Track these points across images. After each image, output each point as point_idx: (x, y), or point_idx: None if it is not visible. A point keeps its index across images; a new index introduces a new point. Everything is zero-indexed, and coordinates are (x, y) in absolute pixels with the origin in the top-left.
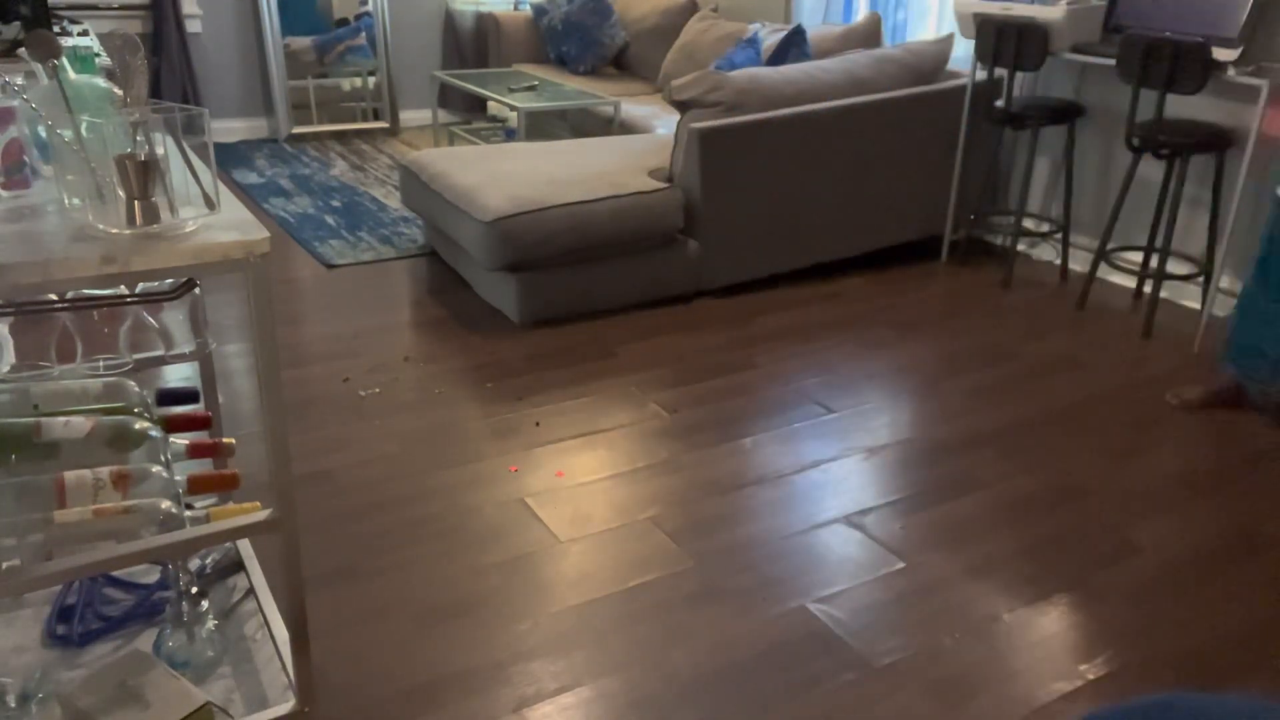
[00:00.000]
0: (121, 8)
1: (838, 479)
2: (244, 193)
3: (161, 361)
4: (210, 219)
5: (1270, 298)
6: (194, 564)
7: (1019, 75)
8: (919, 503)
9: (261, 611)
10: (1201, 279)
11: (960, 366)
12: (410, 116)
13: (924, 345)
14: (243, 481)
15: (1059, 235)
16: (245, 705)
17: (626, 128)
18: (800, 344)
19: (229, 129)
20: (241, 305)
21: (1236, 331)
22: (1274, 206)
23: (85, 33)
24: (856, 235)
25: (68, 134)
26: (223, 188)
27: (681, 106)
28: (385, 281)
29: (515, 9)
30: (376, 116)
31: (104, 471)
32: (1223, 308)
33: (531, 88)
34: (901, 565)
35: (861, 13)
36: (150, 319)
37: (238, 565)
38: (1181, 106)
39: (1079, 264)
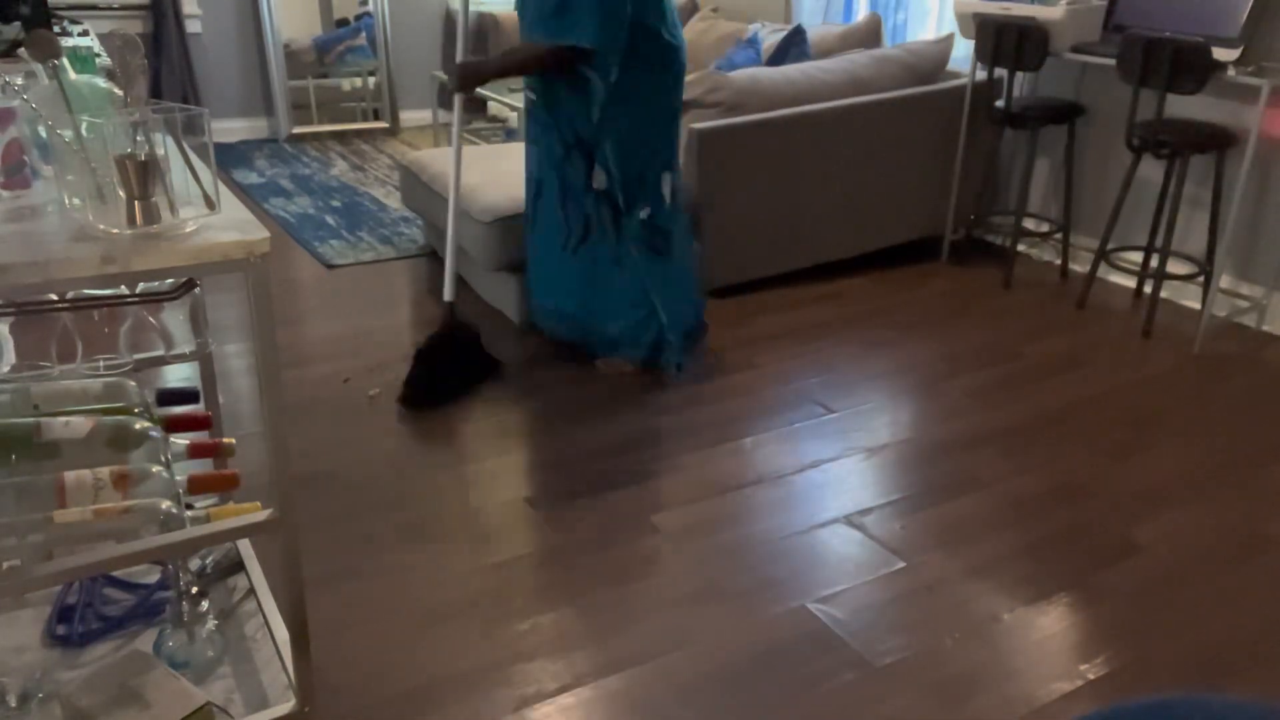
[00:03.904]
0: (121, 8)
1: (838, 479)
2: (244, 193)
3: (161, 361)
4: (210, 219)
5: None
6: (194, 564)
7: (1019, 75)
8: (919, 503)
9: (261, 611)
10: (1201, 279)
11: (960, 366)
12: (410, 116)
13: (924, 345)
14: (243, 481)
15: (1059, 235)
16: (245, 705)
17: None
18: (800, 344)
19: (229, 129)
20: (241, 305)
21: None
22: None
23: (85, 33)
24: (857, 235)
25: (68, 134)
26: (223, 188)
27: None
28: (385, 281)
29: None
30: (376, 116)
31: (104, 471)
32: (1223, 308)
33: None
34: (901, 565)
35: (861, 13)
36: (150, 319)
37: (238, 565)
38: (1181, 106)
39: (1079, 264)
